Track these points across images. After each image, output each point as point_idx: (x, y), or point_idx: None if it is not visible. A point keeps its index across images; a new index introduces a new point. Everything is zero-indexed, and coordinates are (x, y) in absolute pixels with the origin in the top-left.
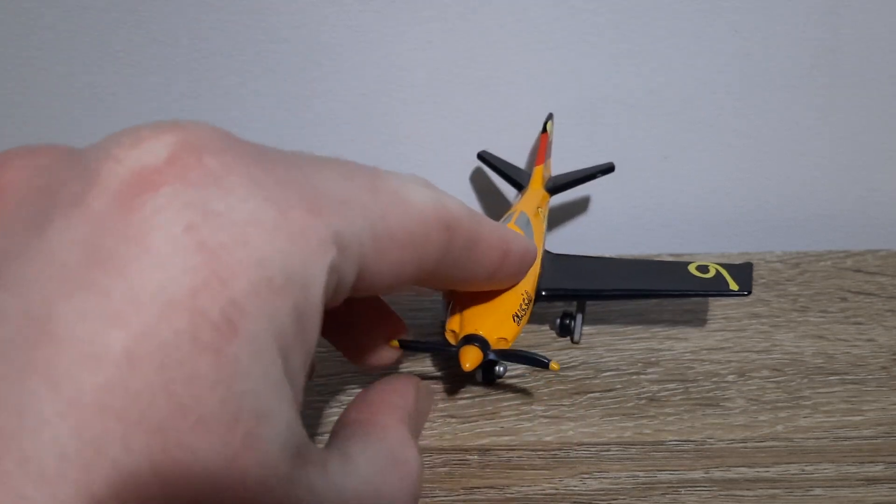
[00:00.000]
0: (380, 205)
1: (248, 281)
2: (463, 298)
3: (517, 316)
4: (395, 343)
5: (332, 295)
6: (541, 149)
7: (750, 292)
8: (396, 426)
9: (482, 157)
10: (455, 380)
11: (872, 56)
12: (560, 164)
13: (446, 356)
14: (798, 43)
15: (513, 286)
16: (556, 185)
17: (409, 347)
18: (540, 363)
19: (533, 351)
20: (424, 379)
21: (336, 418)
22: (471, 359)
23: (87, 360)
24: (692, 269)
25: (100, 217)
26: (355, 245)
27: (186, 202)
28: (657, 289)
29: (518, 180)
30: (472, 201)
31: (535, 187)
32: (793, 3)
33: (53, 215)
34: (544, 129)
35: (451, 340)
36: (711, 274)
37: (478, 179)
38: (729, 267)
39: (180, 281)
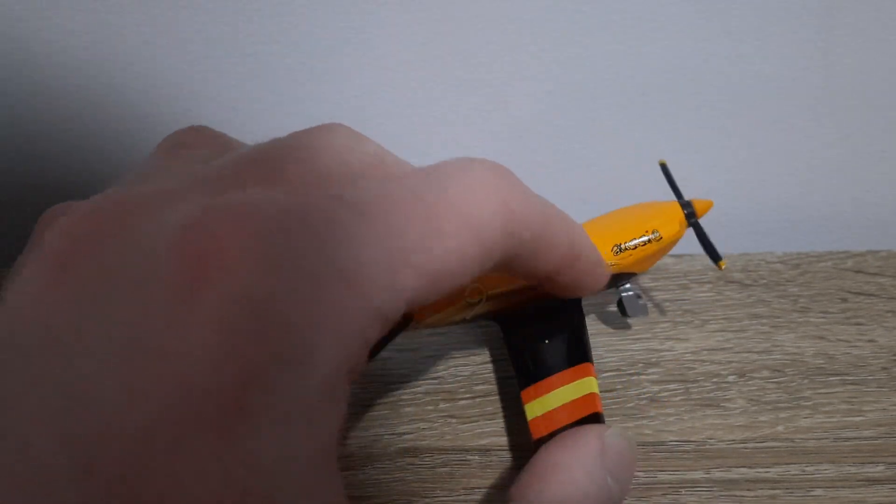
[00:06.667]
0: (437, 246)
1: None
2: None
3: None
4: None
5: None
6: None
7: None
8: (579, 460)
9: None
10: (455, 380)
11: (867, 56)
12: (551, 166)
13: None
14: (791, 44)
15: (582, 295)
16: None
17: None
18: (714, 255)
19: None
20: (426, 380)
21: (347, 425)
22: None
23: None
24: None
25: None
26: (399, 302)
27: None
28: None
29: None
30: None
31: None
32: (785, 4)
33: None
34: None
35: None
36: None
37: None
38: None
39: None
